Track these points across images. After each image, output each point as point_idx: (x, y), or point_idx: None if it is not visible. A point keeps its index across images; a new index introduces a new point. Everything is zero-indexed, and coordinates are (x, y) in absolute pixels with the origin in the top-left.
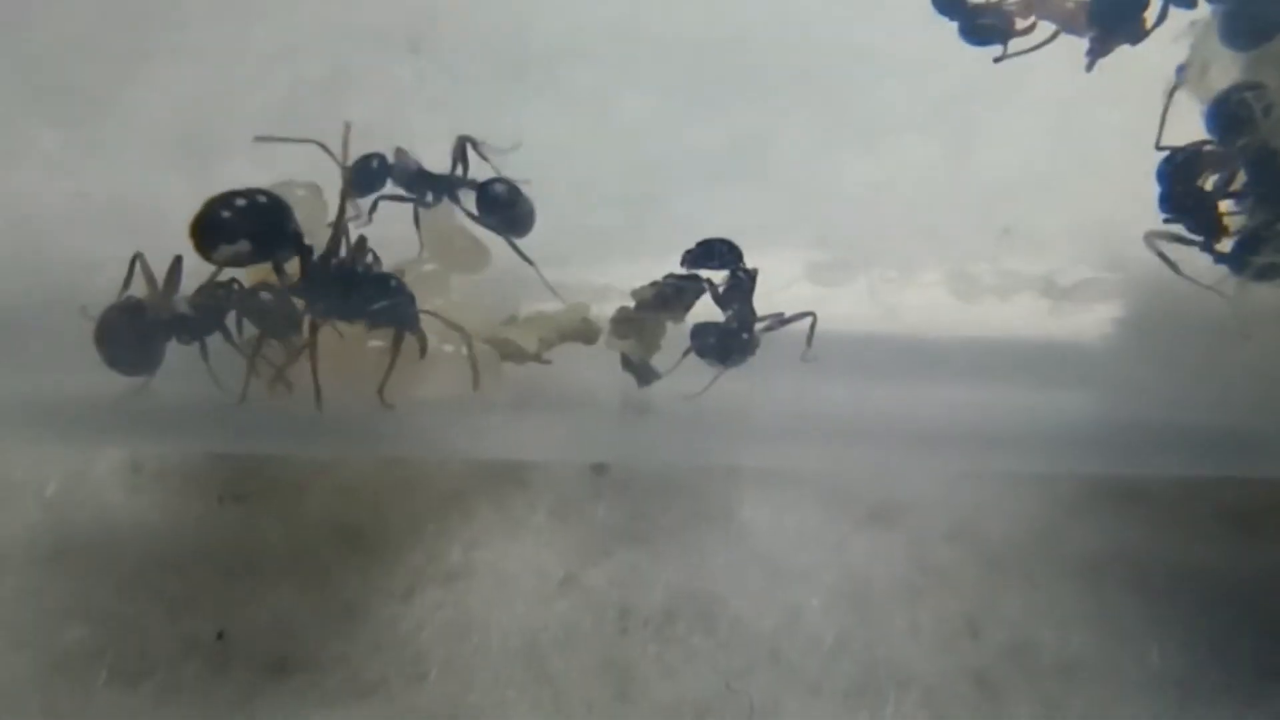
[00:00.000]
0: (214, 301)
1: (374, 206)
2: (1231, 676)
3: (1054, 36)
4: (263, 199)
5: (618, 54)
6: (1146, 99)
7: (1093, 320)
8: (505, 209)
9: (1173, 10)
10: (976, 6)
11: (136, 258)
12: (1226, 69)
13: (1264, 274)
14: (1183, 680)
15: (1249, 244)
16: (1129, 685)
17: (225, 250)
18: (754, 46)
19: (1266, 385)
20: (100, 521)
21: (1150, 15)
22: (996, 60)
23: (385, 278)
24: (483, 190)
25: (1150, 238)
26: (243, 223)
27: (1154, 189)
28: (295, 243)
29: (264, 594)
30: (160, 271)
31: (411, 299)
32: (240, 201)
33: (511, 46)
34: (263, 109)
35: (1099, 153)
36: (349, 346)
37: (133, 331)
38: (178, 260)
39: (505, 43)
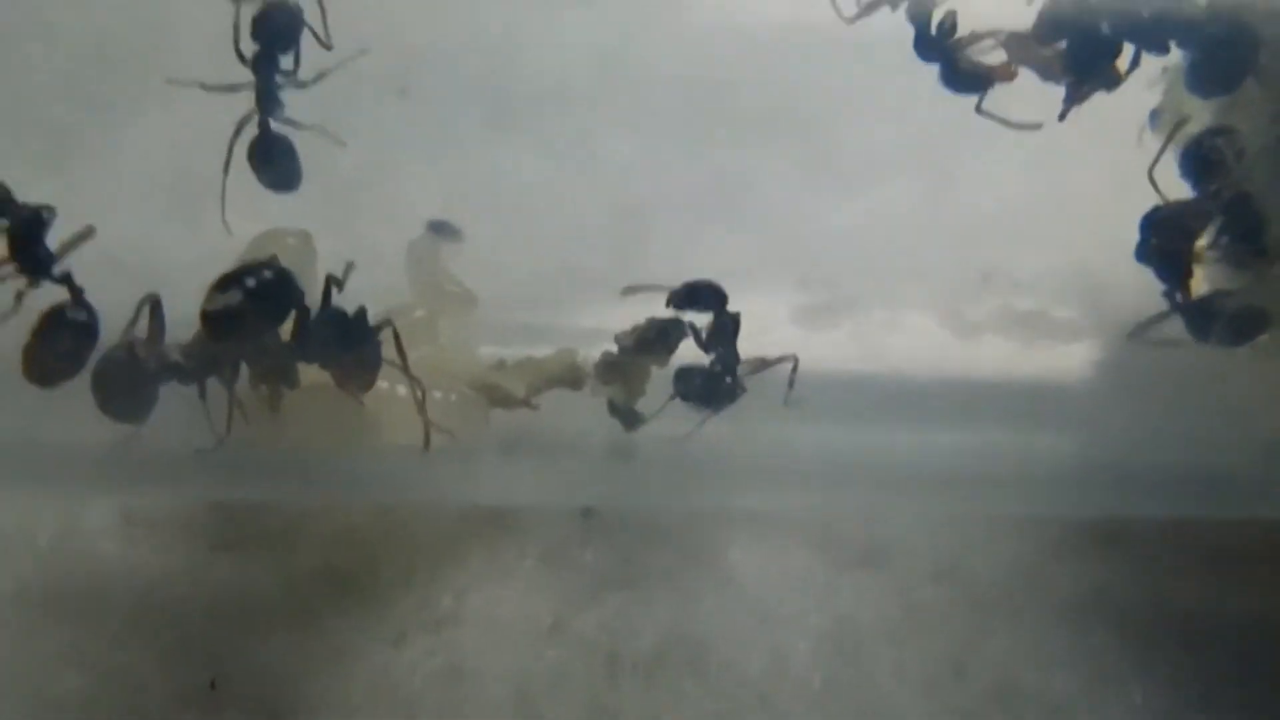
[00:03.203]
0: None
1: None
2: (1214, 718)
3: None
4: (269, 274)
5: (602, 97)
6: (1126, 142)
7: (1074, 362)
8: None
9: (1146, 57)
10: (958, 54)
11: (149, 301)
12: (1199, 114)
13: (1220, 339)
14: None
15: (1204, 311)
16: None
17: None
18: (737, 89)
19: (1245, 426)
20: (92, 572)
21: (1124, 62)
22: (978, 111)
23: (365, 332)
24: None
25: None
26: (253, 304)
27: (1134, 232)
28: (298, 306)
29: (256, 642)
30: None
31: (375, 358)
32: (250, 281)
33: (497, 90)
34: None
35: (1080, 195)
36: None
37: (129, 377)
38: (157, 303)
39: (491, 86)
